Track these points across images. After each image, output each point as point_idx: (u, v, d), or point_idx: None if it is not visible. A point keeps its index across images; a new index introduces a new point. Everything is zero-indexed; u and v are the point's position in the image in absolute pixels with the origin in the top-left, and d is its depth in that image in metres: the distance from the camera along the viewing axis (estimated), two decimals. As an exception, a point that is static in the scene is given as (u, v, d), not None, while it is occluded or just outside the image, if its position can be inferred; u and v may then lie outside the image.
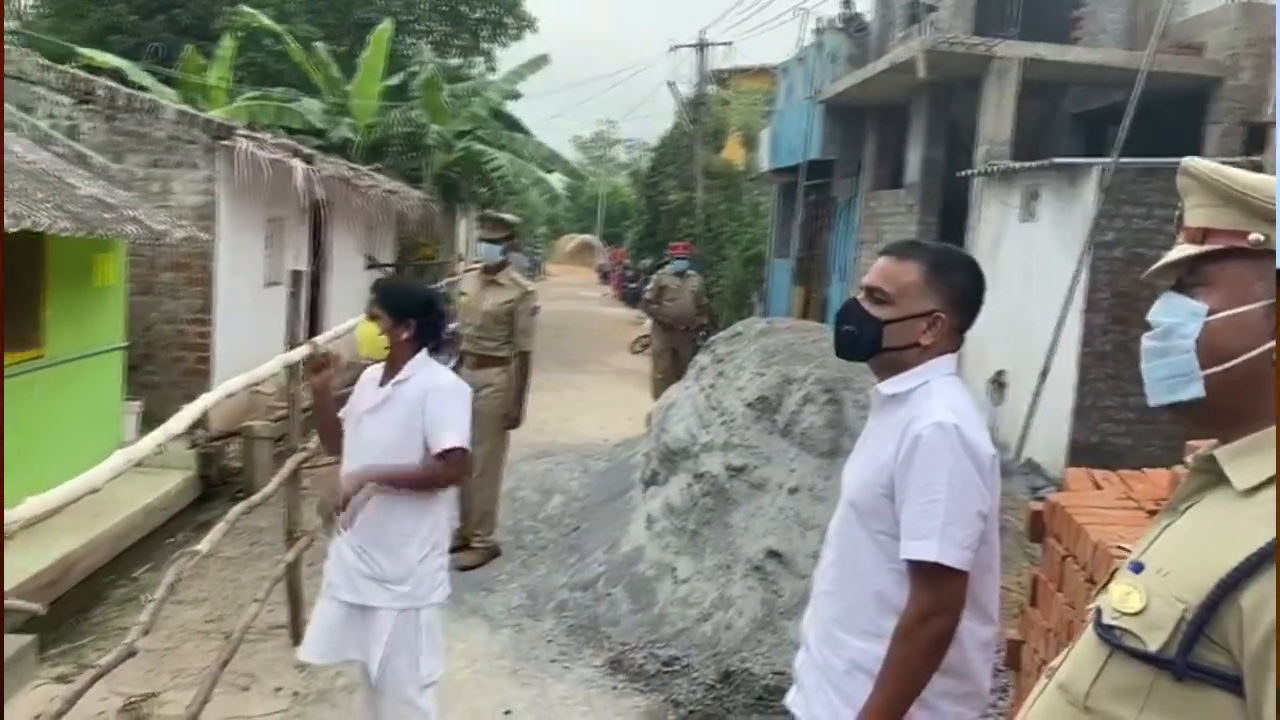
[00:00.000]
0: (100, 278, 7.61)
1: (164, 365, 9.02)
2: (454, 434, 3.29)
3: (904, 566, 2.01)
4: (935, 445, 1.98)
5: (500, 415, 6.34)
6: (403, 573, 3.31)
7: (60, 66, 9.18)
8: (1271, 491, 1.13)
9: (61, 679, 5.09)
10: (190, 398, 9.57)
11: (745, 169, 25.15)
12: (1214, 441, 1.26)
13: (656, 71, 52.54)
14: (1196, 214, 1.27)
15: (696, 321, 10.75)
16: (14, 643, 4.93)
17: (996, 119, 10.87)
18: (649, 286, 11.31)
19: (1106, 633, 1.19)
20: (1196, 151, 8.04)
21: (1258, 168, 7.58)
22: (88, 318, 7.56)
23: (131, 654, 2.88)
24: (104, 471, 2.51)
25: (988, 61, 10.87)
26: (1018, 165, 9.84)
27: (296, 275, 5.72)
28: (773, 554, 5.24)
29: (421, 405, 3.28)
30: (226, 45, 16.60)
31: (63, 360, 7.13)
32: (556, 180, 22.50)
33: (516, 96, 20.55)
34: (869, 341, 2.16)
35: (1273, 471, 1.14)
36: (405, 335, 3.34)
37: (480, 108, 18.58)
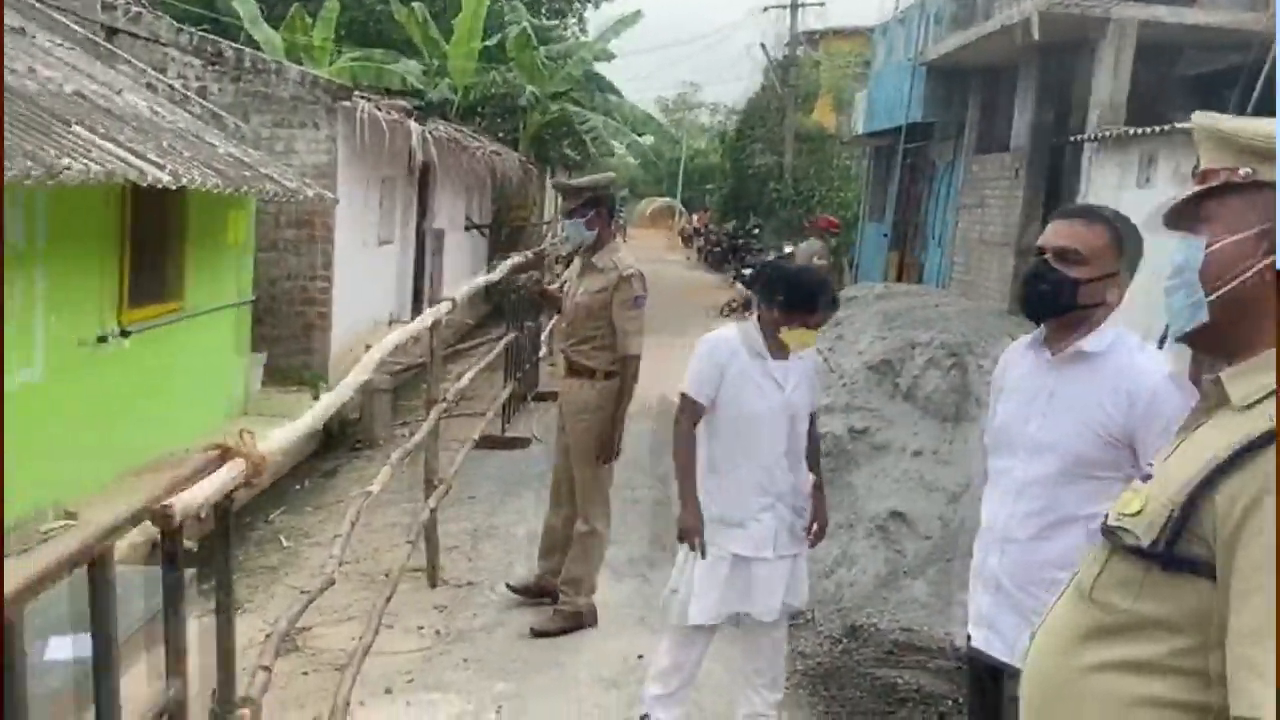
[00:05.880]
0: (233, 234, 7.94)
1: (286, 319, 9.37)
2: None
3: None
4: (1175, 394, 2.16)
5: (593, 444, 4.88)
6: None
7: (193, 29, 9.51)
8: (1267, 405, 1.27)
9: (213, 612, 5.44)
10: (307, 352, 9.98)
11: (835, 132, 24.87)
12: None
13: (744, 32, 51.98)
14: (1204, 160, 1.44)
15: None
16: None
17: (1111, 83, 10.62)
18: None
19: (1109, 533, 1.36)
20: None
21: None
22: (221, 273, 7.91)
23: (332, 582, 3.09)
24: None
25: (1103, 24, 10.60)
26: (1134, 130, 9.62)
27: (420, 234, 5.84)
28: (896, 514, 5.32)
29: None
30: (330, 5, 16.89)
31: (200, 312, 7.47)
32: (647, 143, 22.53)
33: (610, 57, 20.57)
34: (1065, 301, 2.30)
35: (1267, 388, 1.28)
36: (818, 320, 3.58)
37: (575, 69, 18.66)
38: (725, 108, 49.39)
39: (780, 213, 23.51)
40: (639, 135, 20.31)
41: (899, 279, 15.79)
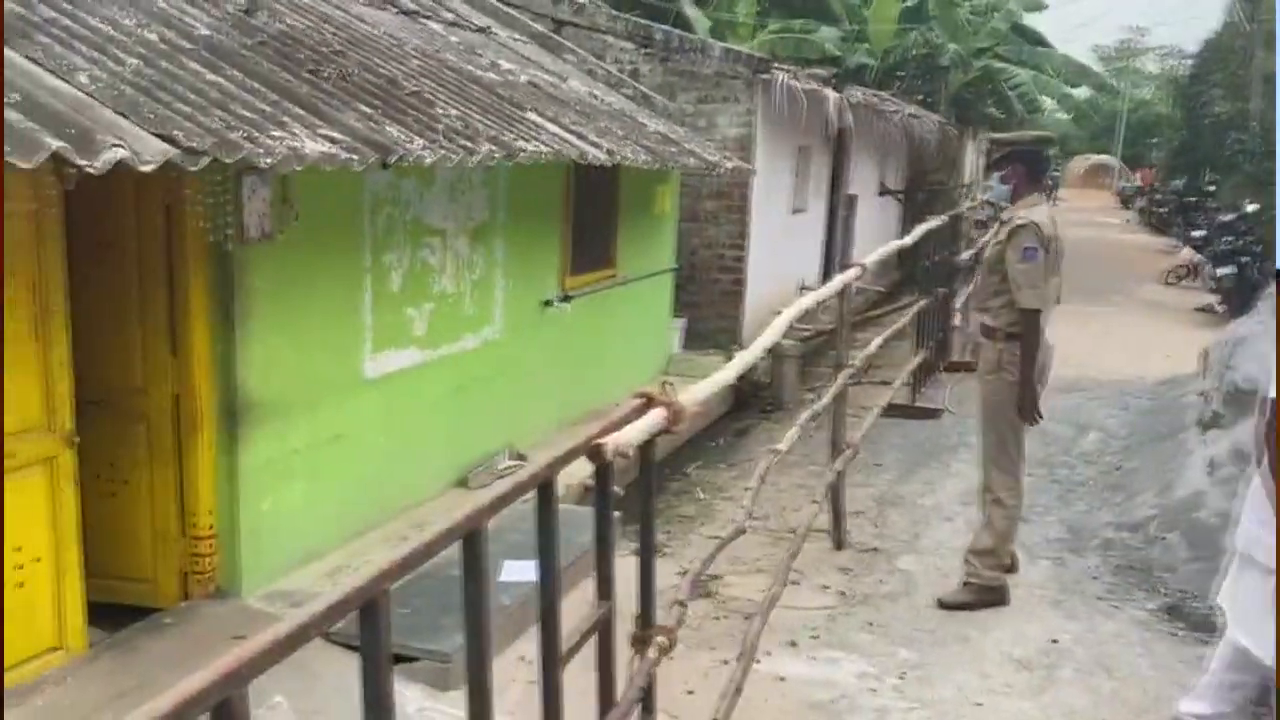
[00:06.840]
0: (659, 207, 8.49)
1: (703, 286, 9.87)
2: None
3: None
4: None
5: (993, 408, 4.79)
6: None
7: (627, 15, 10.26)
8: None
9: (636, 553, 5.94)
10: (723, 317, 10.44)
11: (1318, 70, 21.30)
12: None
13: (1201, -35, 45.89)
14: None
15: None
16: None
17: None
18: None
19: None
20: None
21: None
22: (648, 243, 8.49)
23: (742, 532, 3.27)
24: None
25: None
26: None
27: (834, 201, 5.86)
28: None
29: None
30: (755, -21, 17.33)
31: (630, 280, 8.10)
32: (1081, 95, 20.81)
33: (1041, 8, 19.21)
34: None
35: None
36: None
37: (1001, 22, 17.65)
38: (1178, 52, 44.17)
39: (1243, 167, 20.63)
40: (1072, 88, 18.80)
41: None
